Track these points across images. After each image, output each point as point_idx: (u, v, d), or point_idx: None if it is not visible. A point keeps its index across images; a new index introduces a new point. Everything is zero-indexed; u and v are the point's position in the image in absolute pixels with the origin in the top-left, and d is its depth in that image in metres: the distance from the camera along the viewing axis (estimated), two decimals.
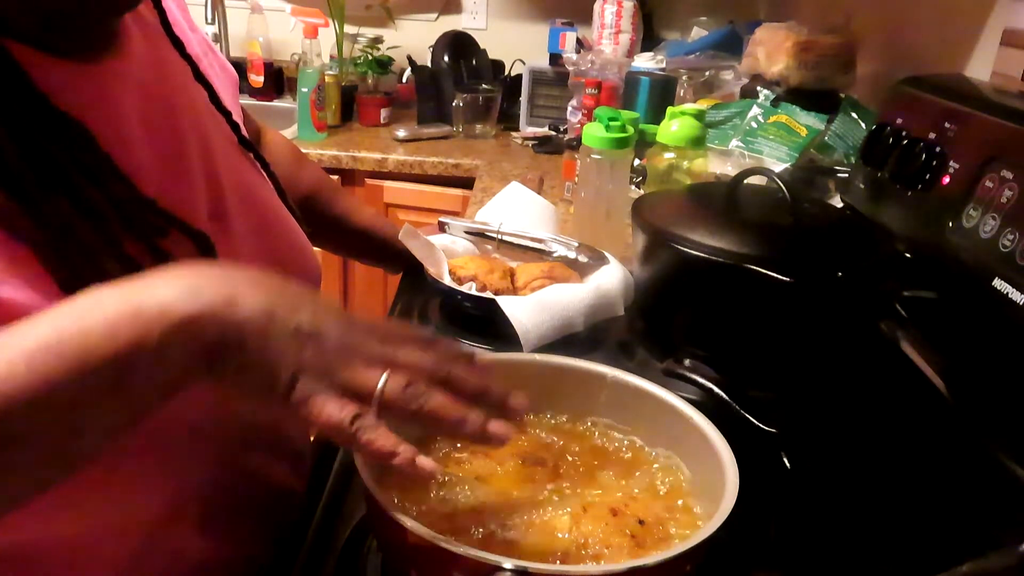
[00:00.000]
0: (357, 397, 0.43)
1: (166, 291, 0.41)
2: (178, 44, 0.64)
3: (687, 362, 0.73)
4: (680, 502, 0.57)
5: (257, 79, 2.37)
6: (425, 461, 0.44)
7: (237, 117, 0.70)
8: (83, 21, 0.53)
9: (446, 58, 2.25)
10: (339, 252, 0.75)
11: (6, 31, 0.48)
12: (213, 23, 2.37)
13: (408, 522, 0.45)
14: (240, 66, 2.41)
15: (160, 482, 0.53)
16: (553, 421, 0.64)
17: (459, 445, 0.60)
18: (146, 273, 0.42)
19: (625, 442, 0.62)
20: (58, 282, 0.46)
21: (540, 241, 1.00)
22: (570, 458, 0.60)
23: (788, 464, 0.63)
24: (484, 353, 0.48)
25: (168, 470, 0.53)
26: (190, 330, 0.40)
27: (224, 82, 0.72)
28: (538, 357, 0.67)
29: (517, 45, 2.35)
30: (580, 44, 2.08)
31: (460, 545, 0.44)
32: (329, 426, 0.43)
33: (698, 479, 0.58)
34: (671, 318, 0.86)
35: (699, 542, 0.46)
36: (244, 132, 0.70)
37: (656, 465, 0.60)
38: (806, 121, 1.33)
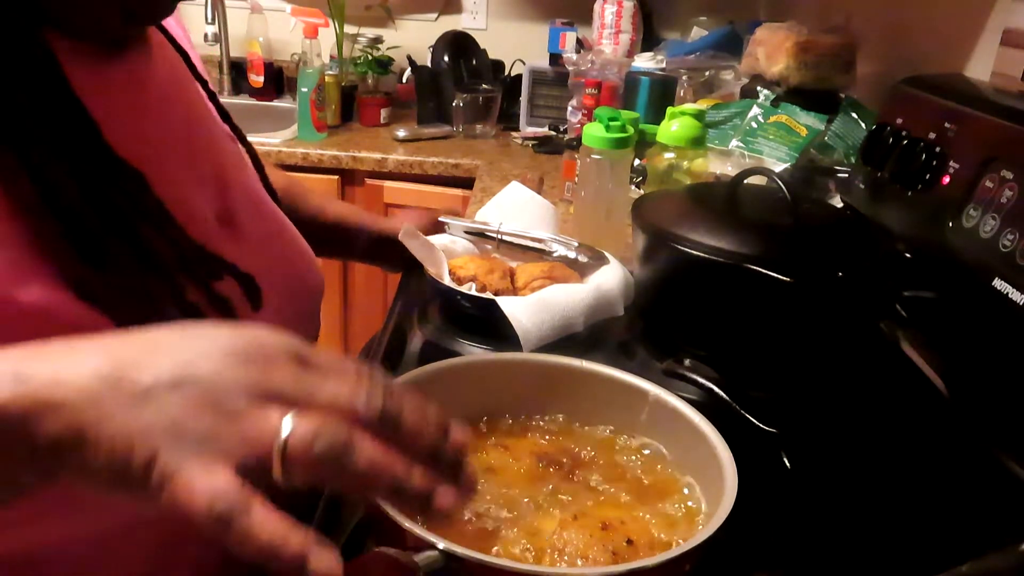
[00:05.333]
0: (251, 457, 0.31)
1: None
2: (169, 37, 0.64)
3: (687, 362, 0.72)
4: (684, 525, 0.54)
5: (257, 79, 2.37)
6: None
7: None
8: (124, 29, 0.53)
9: (446, 58, 2.25)
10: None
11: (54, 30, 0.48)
12: (213, 23, 2.36)
13: (407, 523, 0.45)
14: (240, 66, 2.42)
15: None
16: (585, 429, 0.63)
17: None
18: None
19: (648, 465, 0.60)
20: None
21: (540, 241, 1.00)
22: (588, 465, 0.59)
23: (788, 464, 0.63)
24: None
25: None
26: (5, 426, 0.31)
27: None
28: (539, 357, 0.67)
29: (517, 45, 2.35)
30: (580, 44, 2.08)
31: (443, 540, 0.44)
32: (192, 514, 0.30)
33: (698, 479, 0.58)
34: (671, 318, 0.86)
35: (699, 543, 0.46)
36: (235, 123, 0.71)
37: (677, 496, 0.57)
38: (806, 121, 1.32)
